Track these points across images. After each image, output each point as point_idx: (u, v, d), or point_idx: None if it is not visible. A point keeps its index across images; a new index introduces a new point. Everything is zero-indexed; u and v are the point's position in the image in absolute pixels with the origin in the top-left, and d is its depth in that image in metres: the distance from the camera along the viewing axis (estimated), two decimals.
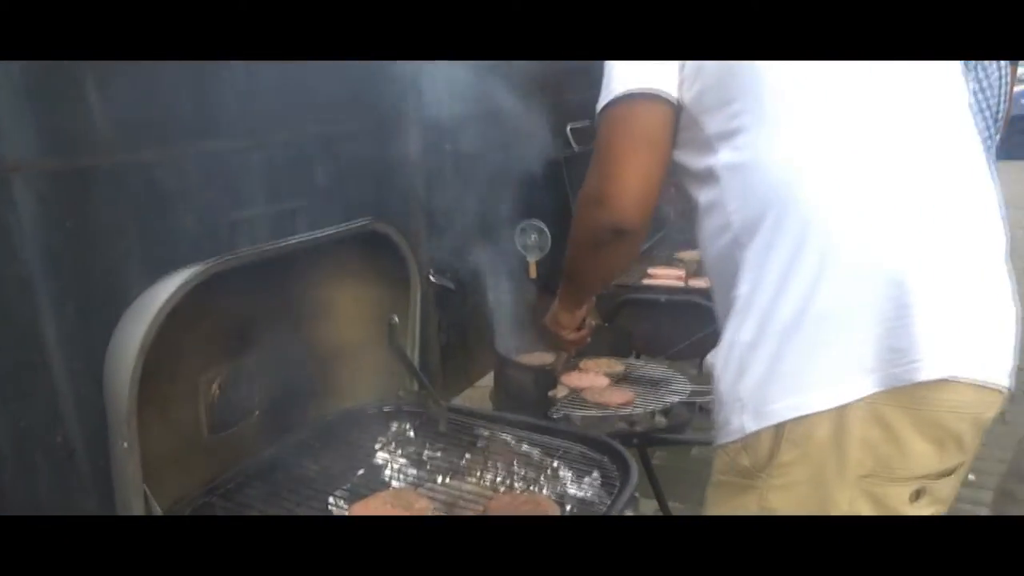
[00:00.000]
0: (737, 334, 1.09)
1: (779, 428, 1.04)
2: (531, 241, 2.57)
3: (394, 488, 1.41)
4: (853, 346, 1.01)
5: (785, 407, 1.04)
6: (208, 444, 1.40)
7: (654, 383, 2.03)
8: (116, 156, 1.30)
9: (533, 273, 2.59)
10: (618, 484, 1.37)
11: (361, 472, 1.55)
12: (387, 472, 1.58)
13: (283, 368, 1.53)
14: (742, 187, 1.09)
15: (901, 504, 1.05)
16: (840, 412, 1.02)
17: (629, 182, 1.14)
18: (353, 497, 1.46)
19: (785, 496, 1.06)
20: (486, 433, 1.57)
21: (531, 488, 1.43)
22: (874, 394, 1.01)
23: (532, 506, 1.27)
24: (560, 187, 2.61)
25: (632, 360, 2.20)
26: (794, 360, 1.04)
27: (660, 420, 2.03)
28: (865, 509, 1.04)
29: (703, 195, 1.16)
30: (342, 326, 1.61)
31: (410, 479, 1.53)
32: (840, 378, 1.02)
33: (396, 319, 1.64)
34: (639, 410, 1.87)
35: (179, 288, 1.12)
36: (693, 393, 1.96)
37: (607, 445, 1.45)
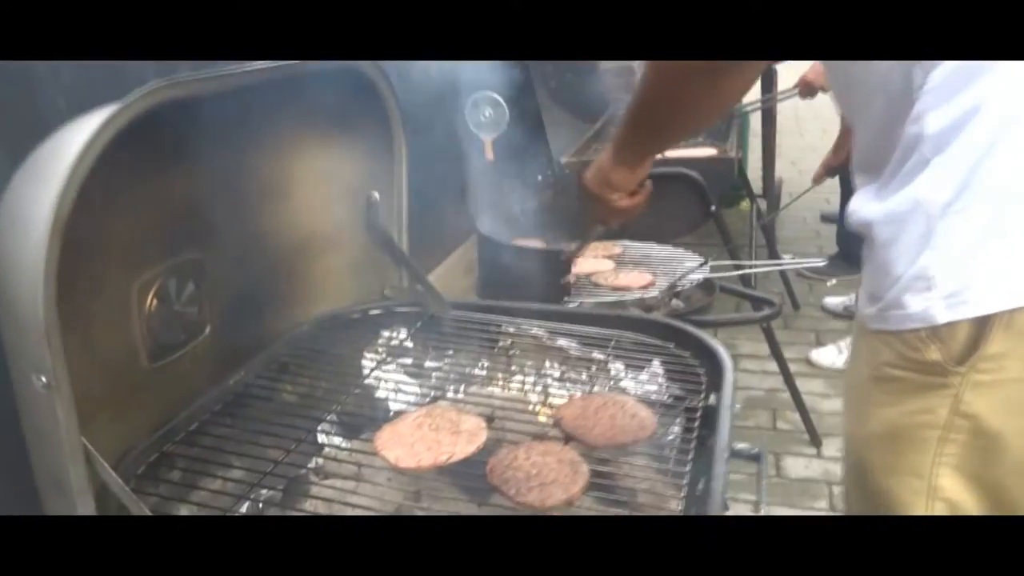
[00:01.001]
0: (921, 188, 0.78)
1: (987, 316, 0.77)
2: (485, 117, 2.20)
3: (428, 405, 1.07)
4: None
5: (1002, 295, 0.76)
6: (150, 376, 1.02)
7: (662, 263, 1.77)
8: None
9: (490, 154, 2.23)
10: (702, 373, 1.09)
11: (357, 392, 1.20)
12: (384, 390, 1.24)
13: (238, 267, 1.15)
14: None
15: None
16: None
17: None
18: (349, 425, 1.14)
19: (992, 396, 0.79)
20: (511, 329, 1.25)
21: (586, 388, 1.14)
22: None
23: (615, 408, 0.97)
24: None
25: (626, 241, 1.92)
26: (1019, 230, 0.76)
27: (677, 304, 1.78)
28: None
29: None
30: (309, 208, 1.23)
31: (417, 396, 1.20)
32: None
33: (376, 195, 1.28)
34: (657, 293, 1.61)
35: (99, 132, 0.71)
36: (713, 271, 1.71)
37: (676, 329, 1.16)
